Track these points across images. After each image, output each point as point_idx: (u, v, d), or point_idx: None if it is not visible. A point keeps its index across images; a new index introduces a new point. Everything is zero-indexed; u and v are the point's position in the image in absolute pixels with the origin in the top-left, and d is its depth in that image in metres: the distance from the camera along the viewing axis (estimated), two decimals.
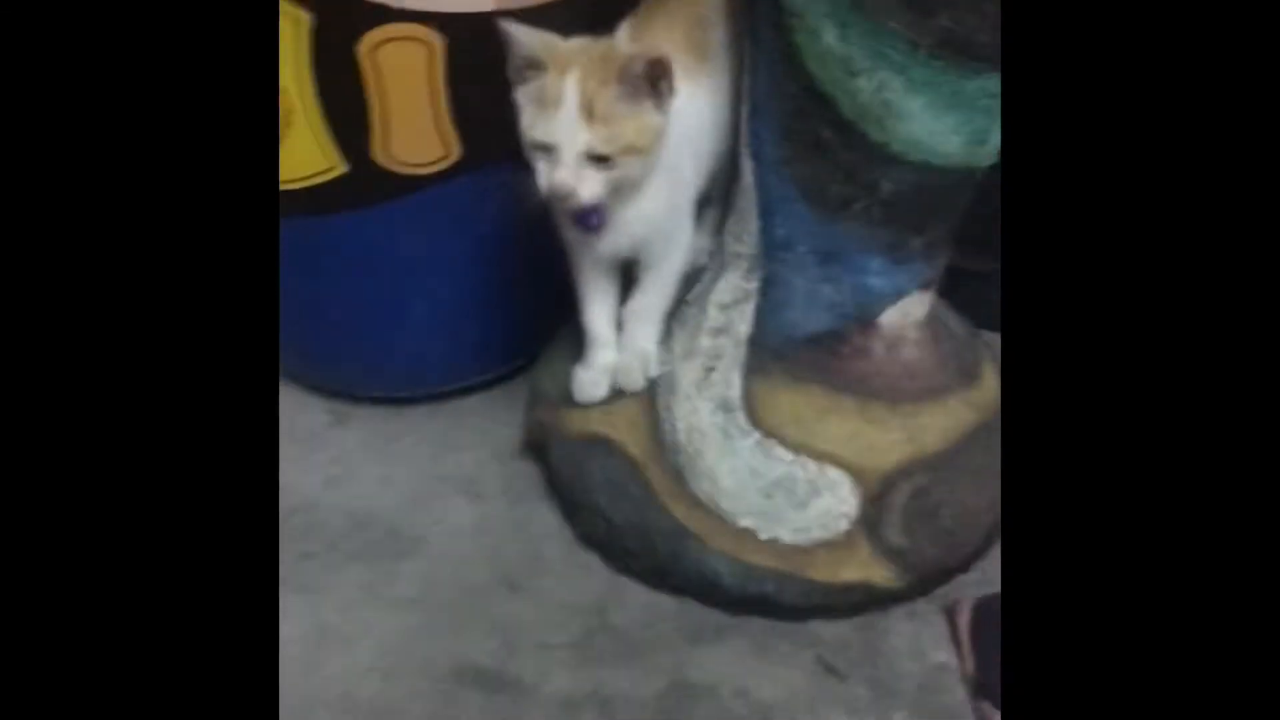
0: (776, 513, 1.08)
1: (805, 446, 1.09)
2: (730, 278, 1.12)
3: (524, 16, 0.96)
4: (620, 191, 0.98)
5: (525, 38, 0.93)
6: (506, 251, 1.19)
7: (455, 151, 1.08)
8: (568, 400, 1.18)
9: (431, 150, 1.07)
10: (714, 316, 1.13)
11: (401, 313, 1.21)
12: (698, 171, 1.08)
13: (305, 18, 0.99)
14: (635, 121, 0.93)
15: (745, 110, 1.07)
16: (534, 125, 0.94)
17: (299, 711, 1.01)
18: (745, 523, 1.08)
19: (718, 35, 1.09)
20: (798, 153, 1.03)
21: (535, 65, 0.94)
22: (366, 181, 1.08)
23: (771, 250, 1.09)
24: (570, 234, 1.06)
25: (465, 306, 1.23)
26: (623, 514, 1.11)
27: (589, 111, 0.91)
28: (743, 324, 1.12)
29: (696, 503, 1.09)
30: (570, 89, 0.91)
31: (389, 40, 1.01)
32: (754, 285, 1.11)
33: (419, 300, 1.20)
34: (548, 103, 0.92)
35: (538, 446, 1.24)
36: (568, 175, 0.93)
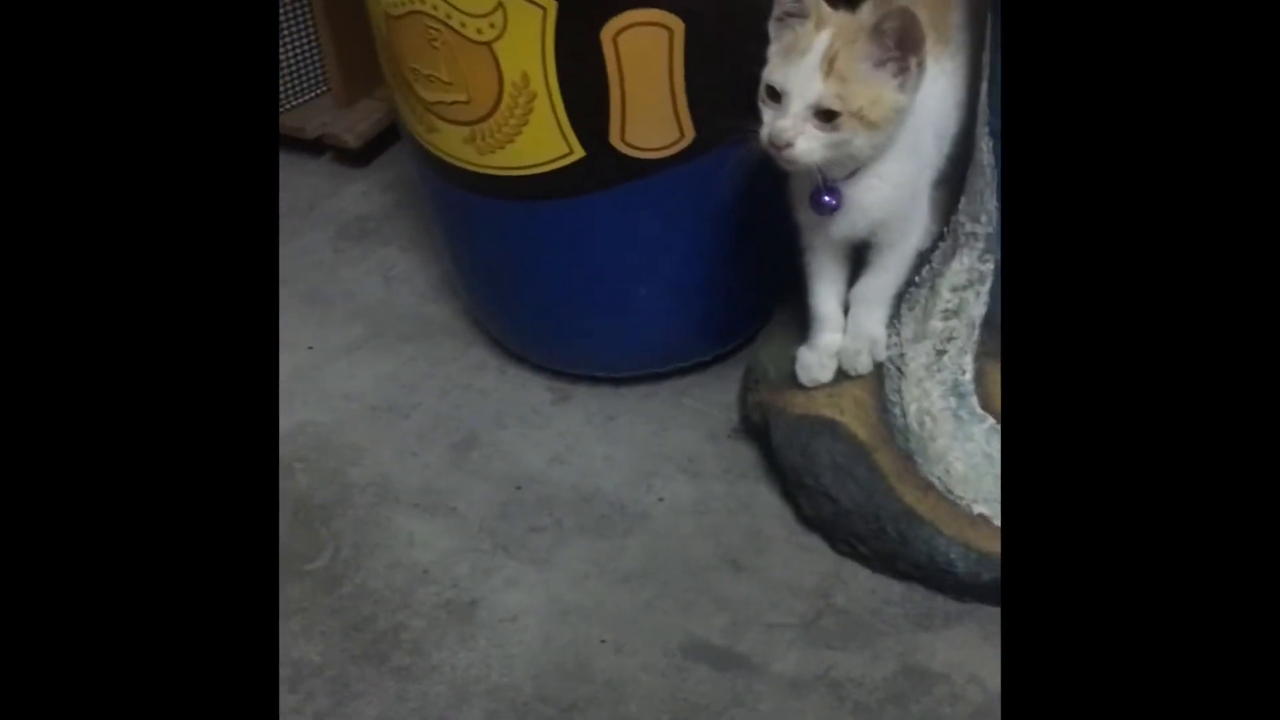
0: None
1: None
2: (965, 258, 1.10)
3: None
4: (843, 163, 0.98)
5: None
6: (731, 232, 1.20)
7: (690, 135, 1.09)
8: (790, 382, 1.18)
9: (667, 134, 1.09)
10: (947, 298, 1.11)
11: (628, 293, 1.23)
12: (940, 152, 1.06)
13: (550, 5, 1.02)
14: (872, 89, 0.93)
15: (985, 86, 1.04)
16: (774, 70, 0.95)
17: (539, 679, 1.05)
18: (980, 509, 1.06)
19: (958, 15, 1.07)
20: None
21: (798, 13, 0.95)
22: (603, 166, 1.11)
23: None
24: (804, 215, 1.07)
25: (689, 287, 1.24)
26: (850, 496, 1.11)
27: (829, 65, 0.92)
28: (977, 306, 1.10)
29: (928, 487, 1.08)
30: (820, 41, 0.92)
31: (632, 25, 1.02)
32: (990, 266, 1.09)
33: (646, 281, 1.22)
34: (795, 51, 0.93)
35: (757, 427, 1.24)
36: (789, 125, 0.93)
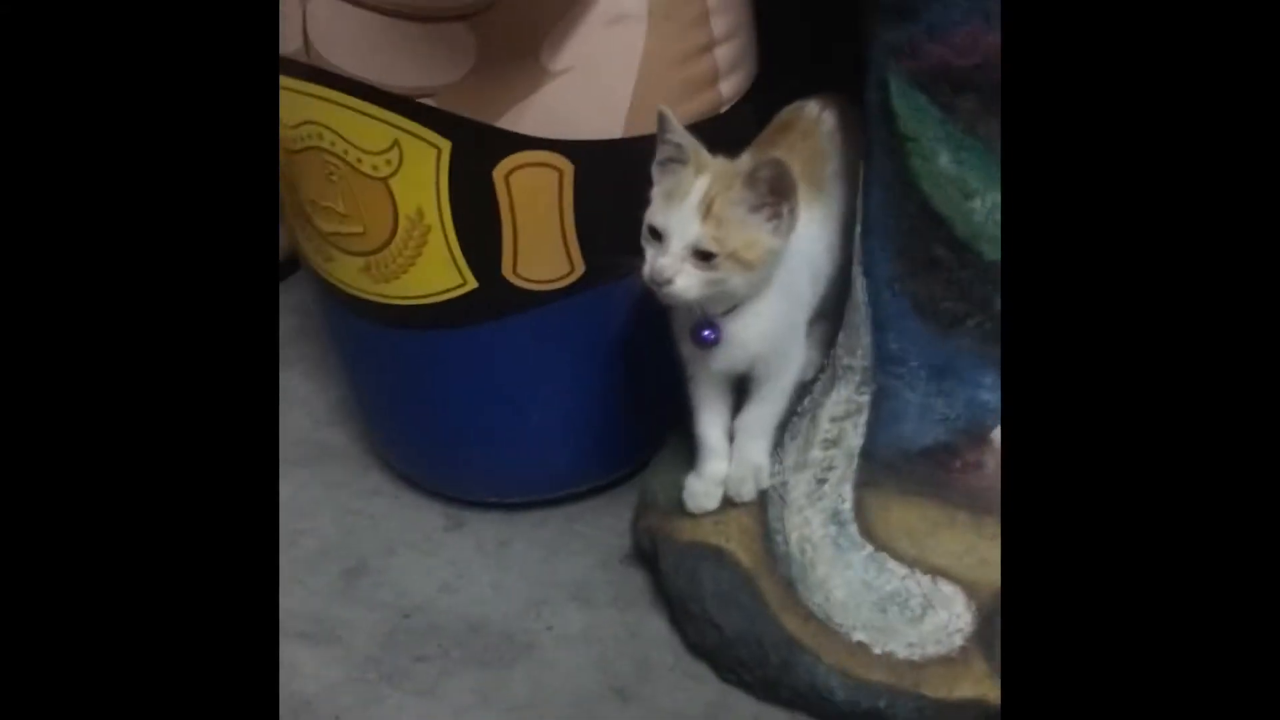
0: (890, 627, 1.08)
1: (919, 561, 1.10)
2: (842, 390, 1.15)
3: (651, 142, 1.02)
4: (721, 300, 1.03)
5: (678, 127, 1.00)
6: (622, 362, 1.23)
7: (579, 269, 1.13)
8: (679, 509, 1.20)
9: (558, 268, 1.13)
10: (826, 428, 1.15)
11: (521, 421, 1.25)
12: (814, 292, 1.12)
13: (444, 145, 1.06)
14: (747, 232, 0.98)
15: (859, 230, 1.10)
16: (656, 212, 0.99)
17: None
18: (859, 636, 1.08)
19: (832, 166, 1.14)
20: (911, 270, 1.07)
21: (678, 159, 1.00)
22: (495, 297, 1.14)
23: (884, 364, 1.11)
24: (687, 348, 1.10)
25: (580, 415, 1.26)
26: (734, 624, 1.12)
27: (707, 208, 0.96)
28: (855, 436, 1.14)
29: (809, 615, 1.10)
30: (699, 185, 0.97)
31: (522, 166, 1.07)
32: (866, 398, 1.14)
33: (538, 409, 1.24)
34: (676, 194, 0.98)
35: (647, 554, 1.25)
36: (668, 263, 0.97)
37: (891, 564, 1.10)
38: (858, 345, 1.13)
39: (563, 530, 1.35)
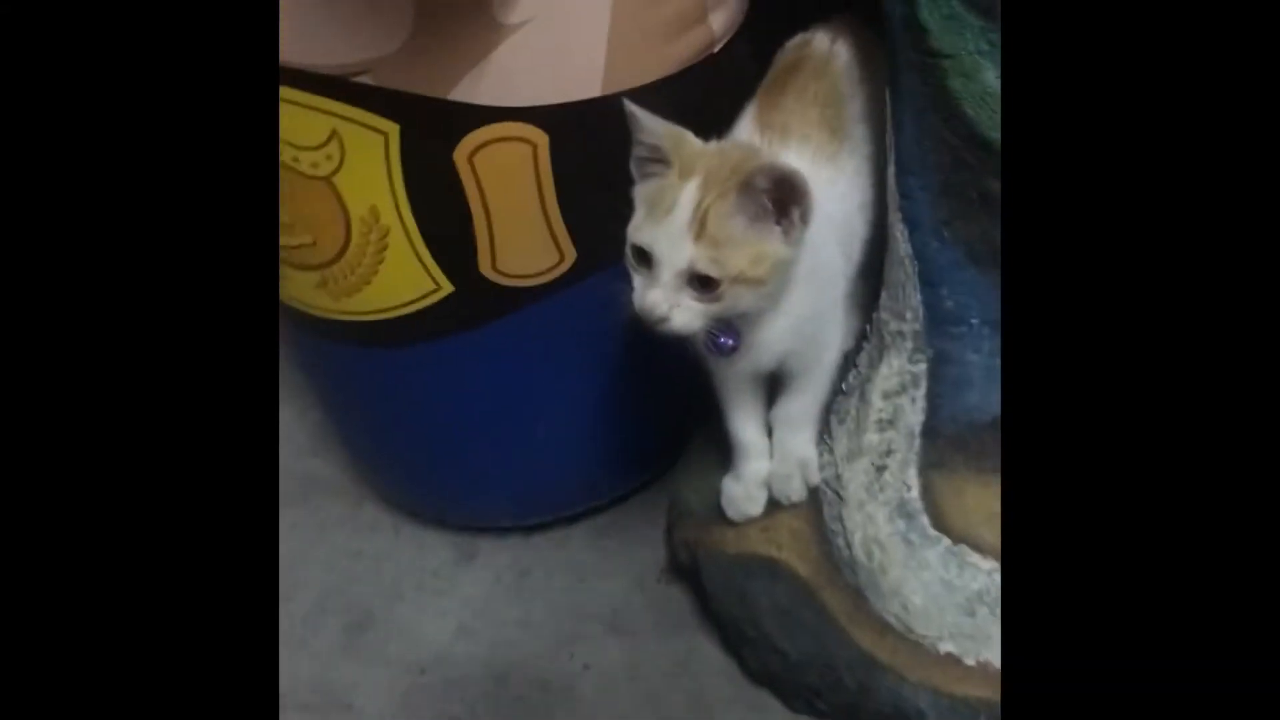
0: (982, 631, 0.92)
1: None
2: (894, 361, 0.98)
3: (635, 97, 0.84)
4: (750, 314, 0.85)
5: (651, 125, 0.81)
6: (632, 357, 1.06)
7: (570, 256, 0.96)
8: (718, 516, 1.04)
9: (544, 258, 0.96)
10: (879, 407, 0.99)
11: (526, 435, 1.09)
12: (849, 260, 0.95)
13: (392, 130, 0.89)
14: (751, 248, 0.80)
15: (891, 173, 0.93)
16: (640, 228, 0.81)
17: None
18: (947, 646, 0.93)
19: (854, 107, 0.96)
20: (962, 210, 0.90)
21: (660, 160, 0.82)
22: (476, 300, 0.97)
23: (939, 325, 0.95)
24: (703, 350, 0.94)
25: (592, 420, 1.10)
26: (799, 645, 0.97)
27: (700, 224, 0.78)
28: (914, 413, 0.98)
29: (885, 627, 0.94)
30: (687, 195, 0.79)
31: (487, 143, 0.90)
32: (922, 367, 0.97)
33: (543, 419, 1.08)
34: (660, 206, 0.80)
35: (687, 569, 1.10)
36: (660, 298, 0.80)
37: (974, 557, 0.94)
38: (906, 306, 0.96)
39: (589, 549, 1.20)
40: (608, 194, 0.86)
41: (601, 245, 0.95)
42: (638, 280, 0.82)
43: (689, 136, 0.82)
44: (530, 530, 1.21)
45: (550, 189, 0.93)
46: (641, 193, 0.83)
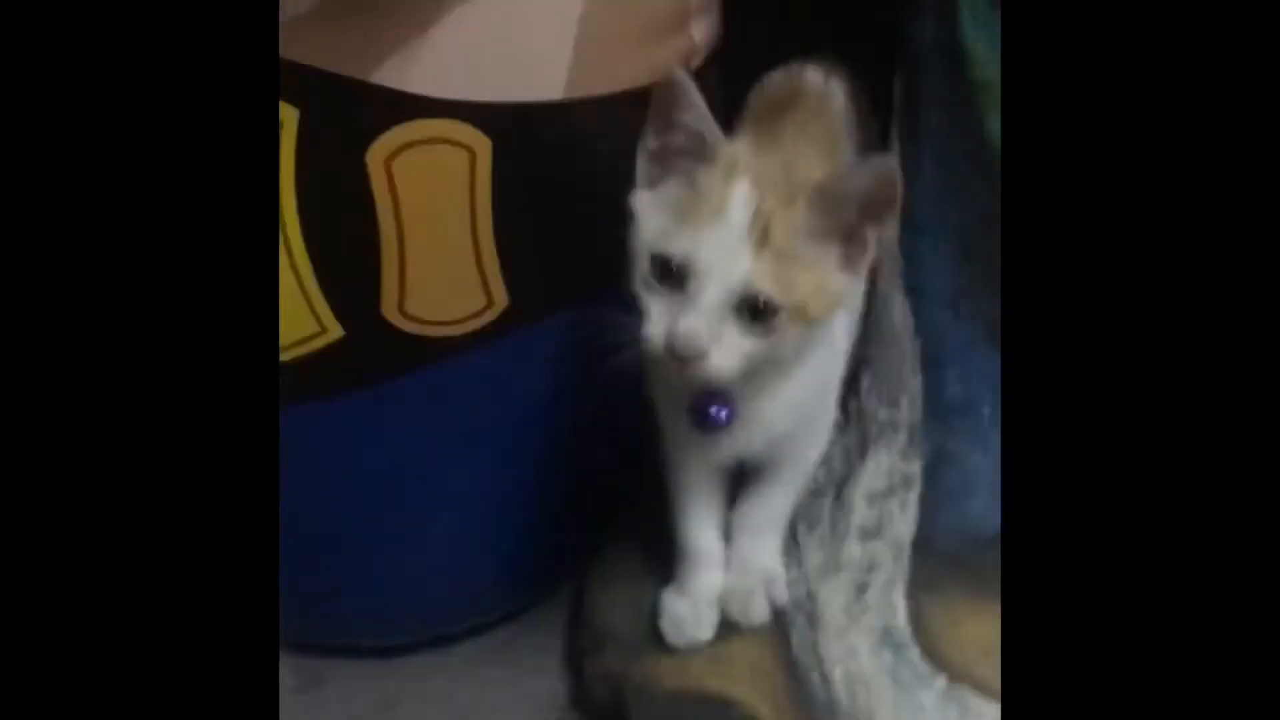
0: None
1: None
2: (881, 457, 0.83)
3: (603, 106, 0.67)
4: (757, 377, 0.68)
5: (702, 107, 0.63)
6: (556, 435, 0.86)
7: (500, 301, 0.77)
8: (653, 642, 0.84)
9: (467, 301, 0.76)
10: (862, 513, 0.83)
11: (411, 528, 0.86)
12: (850, 335, 0.78)
13: (289, 118, 0.68)
14: (816, 272, 0.64)
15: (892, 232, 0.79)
16: (669, 235, 0.63)
17: None
18: None
19: (847, 153, 0.81)
20: (983, 278, 0.75)
21: (696, 155, 0.64)
22: (373, 349, 0.77)
23: (942, 416, 0.80)
24: (674, 425, 0.75)
25: (498, 514, 0.89)
26: None
27: (763, 233, 0.61)
28: (903, 521, 0.82)
29: None
30: (739, 196, 0.62)
31: (412, 144, 0.70)
32: (916, 466, 0.82)
33: (438, 509, 0.86)
34: (701, 209, 0.62)
35: (603, 707, 0.89)
36: (701, 326, 0.61)
37: (977, 701, 0.77)
38: (901, 392, 0.81)
39: (469, 679, 0.97)
40: (557, 225, 0.68)
41: (541, 291, 0.76)
42: (656, 304, 0.63)
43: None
44: (393, 654, 0.98)
45: (486, 211, 0.73)
46: (659, 197, 0.65)
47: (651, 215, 0.64)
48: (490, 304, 0.76)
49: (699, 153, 0.64)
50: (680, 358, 0.62)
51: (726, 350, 0.62)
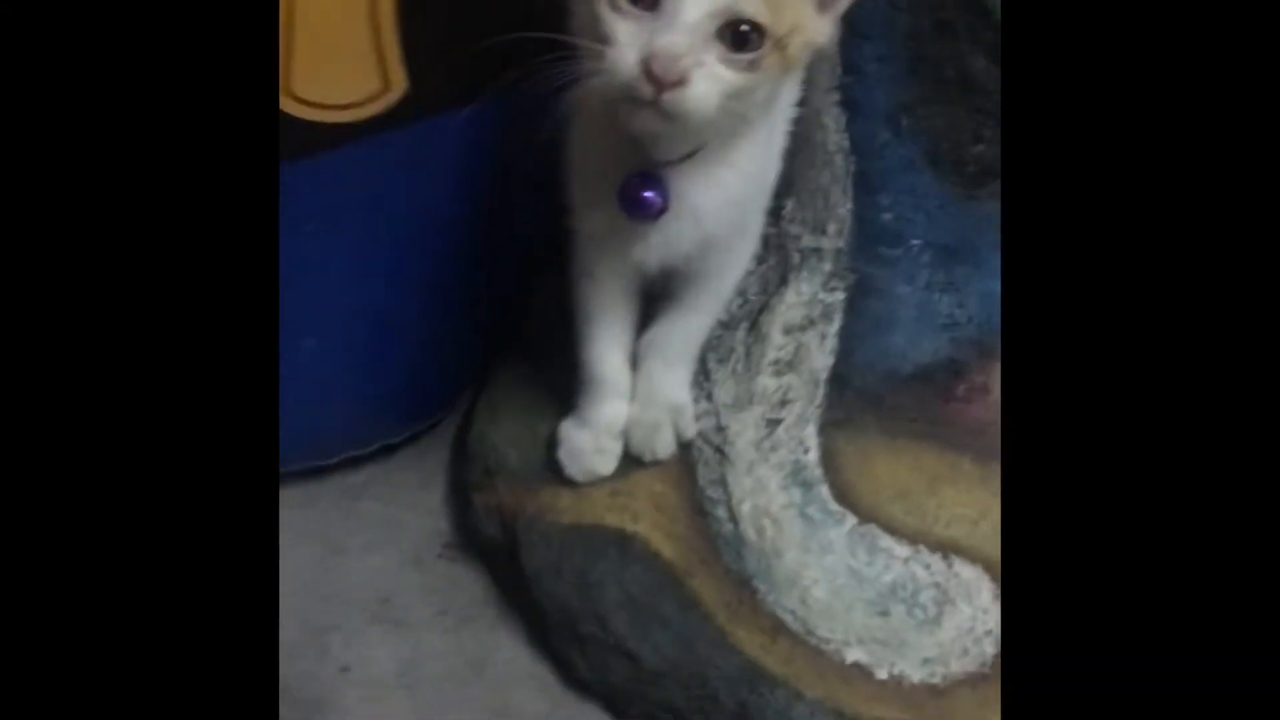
0: (897, 636, 0.73)
1: (923, 534, 0.75)
2: (802, 286, 0.78)
3: None
4: (697, 133, 0.61)
5: None
6: (448, 244, 0.78)
7: (399, 85, 0.67)
8: (548, 474, 0.79)
9: (363, 83, 0.67)
10: (779, 344, 0.78)
11: (285, 347, 0.77)
12: (785, 131, 0.72)
13: None
14: (798, 6, 0.57)
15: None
16: None
17: None
18: (855, 655, 0.72)
19: None
20: (929, 93, 0.70)
21: None
22: None
23: (870, 244, 0.75)
24: (593, 219, 0.68)
25: (378, 332, 0.81)
26: (657, 649, 0.73)
27: None
28: (821, 354, 0.78)
29: (779, 627, 0.73)
30: None
31: None
32: (839, 297, 0.78)
33: (314, 324, 0.77)
34: None
35: (490, 542, 0.83)
36: (683, 43, 0.54)
37: (886, 540, 0.75)
38: (828, 218, 0.75)
39: (345, 513, 0.91)
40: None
41: (444, 75, 0.67)
42: (624, 26, 0.55)
43: None
44: None
45: None
46: None
47: None
48: (387, 87, 0.67)
49: None
50: (658, 81, 0.54)
51: (707, 79, 0.55)
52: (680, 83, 0.54)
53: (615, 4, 0.55)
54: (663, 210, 0.63)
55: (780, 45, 0.56)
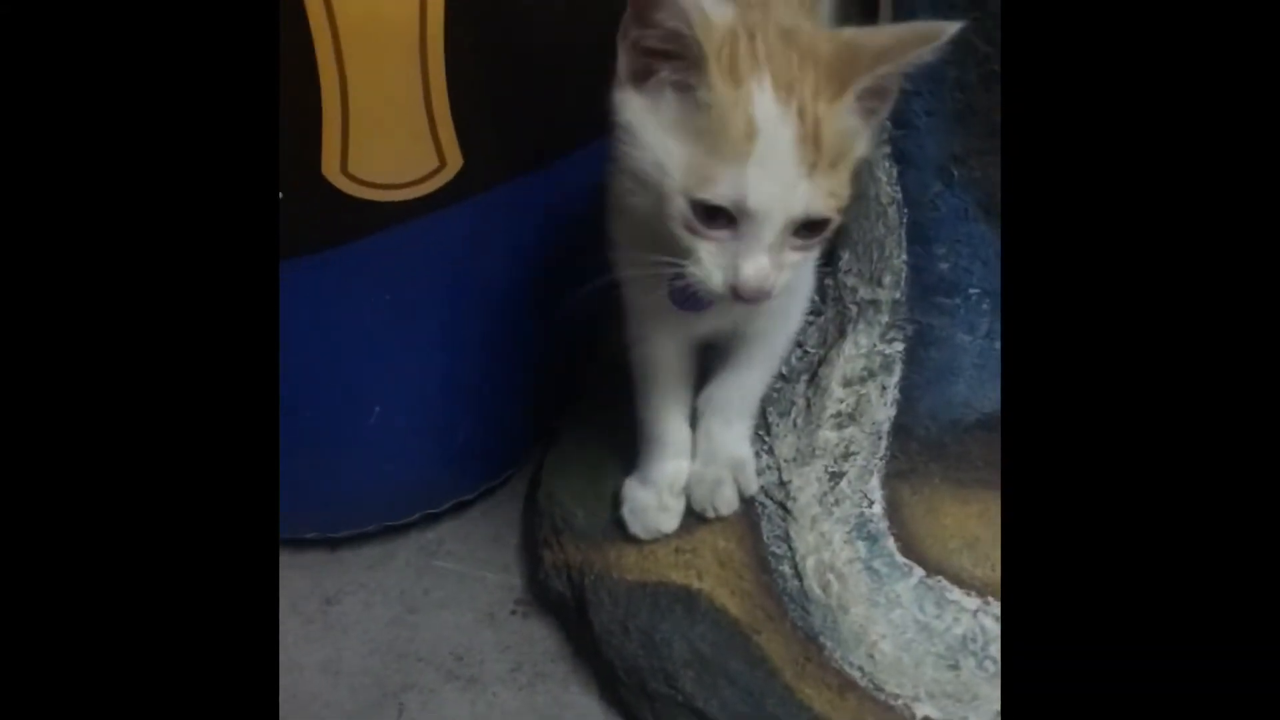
0: (968, 690, 0.72)
1: (993, 585, 0.74)
2: (860, 339, 0.78)
3: None
4: None
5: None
6: (511, 312, 0.80)
7: (454, 163, 0.69)
8: (613, 532, 0.80)
9: (419, 163, 0.69)
10: (839, 396, 0.78)
11: (352, 411, 0.80)
12: None
13: None
14: (854, 154, 0.58)
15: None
16: (705, 177, 0.54)
17: None
18: (924, 710, 0.71)
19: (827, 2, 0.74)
20: (980, 144, 0.70)
21: (674, 54, 0.55)
22: (312, 214, 0.69)
23: (927, 294, 0.75)
24: (644, 299, 0.69)
25: (447, 398, 0.83)
26: (727, 706, 0.73)
27: (813, 147, 0.54)
28: (882, 406, 0.78)
29: (846, 684, 0.72)
30: (767, 111, 0.54)
31: None
32: (898, 348, 0.77)
33: (382, 392, 0.79)
34: (729, 138, 0.54)
35: (560, 600, 0.84)
36: (768, 266, 0.56)
37: (955, 593, 0.74)
38: (885, 269, 0.75)
39: (419, 571, 0.92)
40: (524, 79, 0.60)
41: (499, 151, 0.69)
42: (705, 247, 0.56)
43: (711, 15, 0.55)
44: (338, 545, 0.92)
45: (438, 61, 0.66)
46: (658, 116, 0.56)
47: (660, 141, 0.56)
48: (442, 165, 0.69)
49: (675, 54, 0.55)
50: (748, 301, 0.57)
51: (783, 273, 0.57)
52: (770, 294, 0.57)
53: (693, 227, 0.56)
54: (712, 302, 0.64)
55: (845, 211, 0.58)
